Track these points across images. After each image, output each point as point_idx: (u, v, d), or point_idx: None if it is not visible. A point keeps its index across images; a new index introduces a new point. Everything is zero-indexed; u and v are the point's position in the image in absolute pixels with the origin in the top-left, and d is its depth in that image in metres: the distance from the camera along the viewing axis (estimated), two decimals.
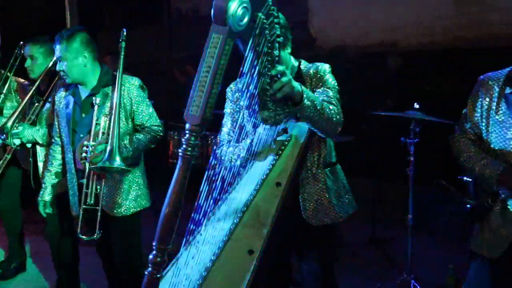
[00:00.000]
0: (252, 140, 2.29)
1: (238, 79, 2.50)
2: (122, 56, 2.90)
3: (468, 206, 2.37)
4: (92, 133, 2.91)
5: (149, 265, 1.59)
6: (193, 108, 1.55)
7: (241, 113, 2.47)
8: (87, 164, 2.91)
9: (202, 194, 1.80)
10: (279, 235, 2.15)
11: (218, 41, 1.53)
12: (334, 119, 2.23)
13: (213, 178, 1.94)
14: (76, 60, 2.93)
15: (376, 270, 4.22)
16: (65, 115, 3.07)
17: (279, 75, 1.89)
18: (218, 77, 1.54)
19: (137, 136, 3.00)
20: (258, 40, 1.71)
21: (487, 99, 2.30)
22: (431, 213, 4.76)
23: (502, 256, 2.26)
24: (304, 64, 2.45)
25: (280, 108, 2.00)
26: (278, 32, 1.78)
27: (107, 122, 2.90)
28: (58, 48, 2.92)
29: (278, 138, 2.30)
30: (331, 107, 2.25)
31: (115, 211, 3.01)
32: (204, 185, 1.78)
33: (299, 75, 2.36)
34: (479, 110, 2.33)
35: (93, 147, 2.88)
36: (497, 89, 2.27)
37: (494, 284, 2.32)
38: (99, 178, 2.96)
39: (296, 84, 1.99)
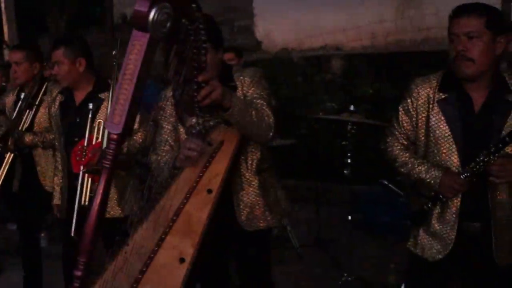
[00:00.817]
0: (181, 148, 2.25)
1: (165, 87, 2.48)
2: (115, 64, 2.97)
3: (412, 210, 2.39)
4: (87, 136, 2.97)
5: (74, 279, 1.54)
6: (115, 117, 1.51)
7: (171, 121, 2.44)
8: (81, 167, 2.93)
9: (128, 204, 1.76)
10: (211, 242, 2.13)
11: (140, 48, 1.50)
12: (265, 124, 2.22)
13: (140, 187, 1.91)
14: (73, 64, 2.99)
15: (321, 271, 4.26)
16: (58, 119, 3.12)
17: (206, 82, 1.87)
18: (140, 85, 1.51)
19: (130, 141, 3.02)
20: (183, 46, 1.69)
21: (419, 104, 2.30)
22: (374, 212, 4.85)
23: (442, 259, 2.29)
24: (235, 69, 2.43)
25: (209, 115, 1.98)
26: (204, 38, 1.76)
27: (102, 126, 2.96)
28: (57, 52, 2.98)
29: (209, 144, 2.27)
30: (262, 112, 2.24)
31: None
32: (129, 194, 1.75)
33: (230, 80, 2.34)
34: (410, 115, 2.34)
35: (87, 151, 2.91)
36: (430, 94, 2.27)
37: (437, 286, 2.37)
38: (93, 181, 2.94)
39: (225, 90, 1.98)
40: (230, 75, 2.38)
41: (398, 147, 2.41)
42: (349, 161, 3.71)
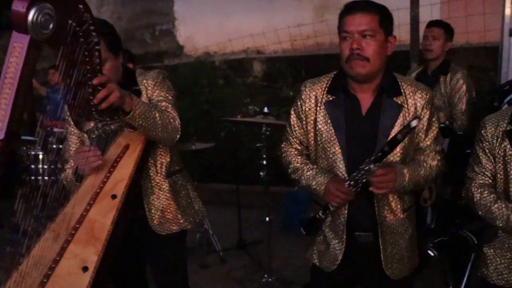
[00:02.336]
0: None
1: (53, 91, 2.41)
2: None
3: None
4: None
5: None
6: None
7: (76, 132, 2.37)
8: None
9: (19, 214, 1.68)
10: (122, 247, 2.09)
11: (20, 51, 1.44)
12: (171, 126, 2.21)
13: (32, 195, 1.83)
14: None
15: (244, 273, 4.27)
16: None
17: (102, 85, 1.83)
18: (23, 88, 1.45)
19: None
20: (71, 48, 1.64)
21: (308, 106, 2.18)
22: (293, 213, 4.91)
23: (337, 270, 2.19)
24: (139, 72, 2.40)
25: (109, 118, 1.94)
26: (96, 40, 1.72)
27: None
28: None
29: (114, 149, 2.23)
30: (167, 114, 2.22)
31: None
32: (19, 203, 1.67)
33: (134, 85, 2.30)
34: (301, 118, 2.21)
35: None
36: (318, 96, 2.16)
37: None
38: None
39: (123, 93, 1.94)
40: (133, 79, 2.33)
41: (292, 152, 2.28)
42: (264, 162, 3.75)
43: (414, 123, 1.91)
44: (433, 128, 2.15)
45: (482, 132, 2.09)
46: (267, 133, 3.71)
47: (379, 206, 2.12)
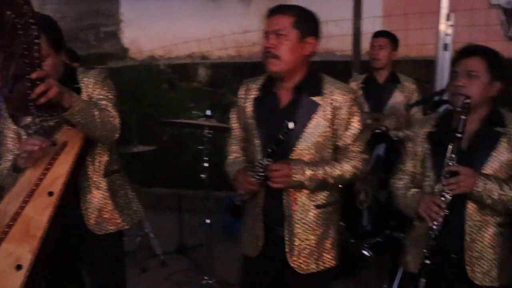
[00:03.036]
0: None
1: None
2: None
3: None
4: None
5: None
6: None
7: (14, 128, 2.31)
8: None
9: None
10: (57, 246, 2.06)
11: None
12: (110, 125, 2.20)
13: None
14: None
15: (184, 277, 4.26)
16: None
17: (41, 79, 1.81)
18: None
19: None
20: (9, 40, 1.61)
21: (244, 105, 2.31)
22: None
23: (258, 257, 2.30)
24: (80, 70, 2.37)
25: (48, 114, 1.91)
26: (36, 34, 1.70)
27: None
28: None
29: (53, 145, 2.19)
30: (107, 113, 2.22)
31: None
32: None
33: (75, 82, 2.28)
34: (239, 117, 2.36)
35: None
36: (251, 93, 2.29)
37: (255, 284, 2.40)
38: None
39: (63, 89, 1.92)
40: (74, 77, 2.31)
41: (233, 149, 2.43)
42: (206, 165, 3.76)
43: (290, 125, 2.03)
44: (353, 128, 2.22)
45: (410, 134, 2.31)
46: (210, 135, 3.73)
47: (287, 200, 2.22)
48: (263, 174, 2.13)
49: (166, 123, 5.41)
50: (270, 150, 2.09)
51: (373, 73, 4.00)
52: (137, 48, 7.21)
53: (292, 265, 2.24)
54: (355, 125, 2.22)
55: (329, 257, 2.30)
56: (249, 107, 2.29)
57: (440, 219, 2.09)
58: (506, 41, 6.94)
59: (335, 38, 5.90)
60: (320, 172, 2.15)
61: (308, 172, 2.13)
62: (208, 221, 3.89)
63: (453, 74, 2.20)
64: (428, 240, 2.12)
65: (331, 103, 2.16)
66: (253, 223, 2.31)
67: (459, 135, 2.08)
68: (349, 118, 2.19)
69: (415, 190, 2.28)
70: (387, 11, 6.61)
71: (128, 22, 7.25)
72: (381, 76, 3.97)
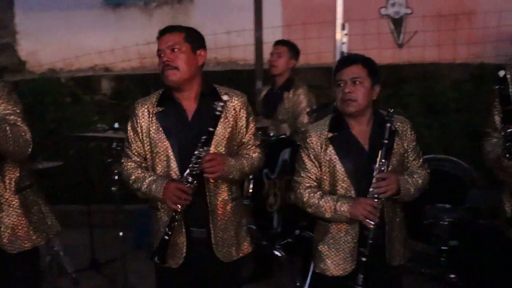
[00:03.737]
0: None
1: None
2: None
3: None
4: None
5: None
6: None
7: None
8: None
9: None
10: None
11: None
12: (22, 140, 2.18)
13: None
14: None
15: None
16: None
17: None
18: None
19: None
20: None
21: (142, 120, 2.40)
22: (147, 230, 4.92)
23: (181, 266, 2.39)
24: None
25: None
26: None
27: None
28: None
29: None
30: (18, 128, 2.19)
31: None
32: None
33: None
34: (138, 131, 2.41)
35: None
36: (149, 110, 2.39)
37: None
38: None
39: None
40: None
41: (132, 165, 2.45)
42: (116, 178, 3.74)
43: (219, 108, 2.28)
44: (251, 126, 2.51)
45: (308, 140, 2.46)
46: (118, 148, 3.72)
47: (210, 196, 2.39)
48: (197, 171, 2.26)
49: (72, 138, 5.28)
50: (203, 139, 2.26)
51: (274, 81, 4.18)
52: (36, 61, 6.98)
53: (218, 255, 2.41)
54: (253, 123, 2.52)
55: (246, 244, 2.54)
56: (153, 123, 2.38)
57: (377, 220, 2.28)
58: (396, 48, 7.47)
59: (238, 48, 6.07)
60: (239, 162, 2.40)
61: (232, 162, 2.36)
62: (121, 233, 3.86)
63: (338, 83, 2.39)
64: (366, 239, 2.30)
65: (233, 107, 2.41)
66: (176, 232, 2.35)
67: (386, 141, 2.29)
68: (248, 118, 2.47)
69: (336, 196, 2.38)
70: (287, 21, 6.89)
71: (25, 33, 7.00)
72: (277, 84, 4.16)
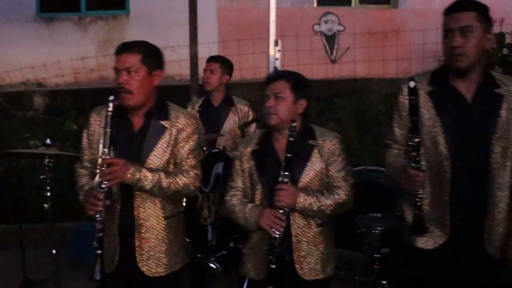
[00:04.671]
0: None
1: None
2: None
3: None
4: None
5: None
6: None
7: None
8: None
9: None
10: None
11: None
12: None
13: None
14: None
15: None
16: None
17: None
18: None
19: None
20: None
21: (94, 129, 2.47)
22: (83, 248, 4.82)
23: (113, 271, 2.44)
24: None
25: None
26: None
27: None
28: None
29: None
30: None
31: None
32: None
33: None
34: (91, 139, 2.49)
35: None
36: (103, 120, 2.36)
37: None
38: None
39: None
40: None
41: (83, 172, 2.55)
42: (48, 194, 3.66)
43: None
44: (189, 146, 2.48)
45: (237, 153, 2.62)
46: (51, 164, 3.64)
47: (138, 210, 2.42)
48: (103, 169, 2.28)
49: (2, 155, 5.12)
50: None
51: (209, 96, 4.22)
52: None
53: (142, 269, 2.43)
54: (192, 143, 2.50)
55: (176, 261, 2.54)
56: (102, 133, 2.39)
57: (282, 229, 2.36)
58: (329, 64, 7.73)
59: (174, 63, 6.09)
60: (156, 176, 2.37)
61: (145, 172, 2.34)
62: (54, 251, 3.77)
63: (264, 97, 2.51)
64: (273, 248, 2.36)
65: (177, 126, 2.45)
66: (109, 240, 2.41)
67: (288, 155, 2.37)
68: (188, 139, 2.48)
69: (251, 205, 2.53)
70: (222, 37, 7.00)
71: None
72: (216, 99, 4.19)
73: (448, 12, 2.30)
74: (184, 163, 2.48)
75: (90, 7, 7.63)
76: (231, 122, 4.10)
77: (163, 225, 2.48)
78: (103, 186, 2.27)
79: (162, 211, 2.47)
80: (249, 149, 2.56)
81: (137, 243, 2.43)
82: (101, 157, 2.30)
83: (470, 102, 2.32)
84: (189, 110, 4.07)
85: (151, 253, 2.44)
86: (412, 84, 2.23)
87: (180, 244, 2.58)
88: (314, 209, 2.41)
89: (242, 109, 4.14)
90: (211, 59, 4.25)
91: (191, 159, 2.50)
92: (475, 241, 2.32)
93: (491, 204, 2.31)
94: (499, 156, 2.30)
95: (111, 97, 2.32)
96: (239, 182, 2.60)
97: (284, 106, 2.44)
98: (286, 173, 2.37)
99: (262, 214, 2.41)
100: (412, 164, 2.23)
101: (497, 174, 2.30)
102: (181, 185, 2.44)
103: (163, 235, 2.47)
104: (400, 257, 3.63)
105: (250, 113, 4.15)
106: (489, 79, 2.35)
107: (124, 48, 2.38)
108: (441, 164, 2.31)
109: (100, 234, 2.30)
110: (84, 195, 2.41)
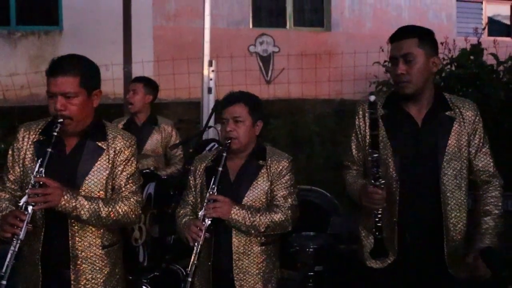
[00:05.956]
0: None
1: None
2: None
3: None
4: None
5: None
6: None
7: None
8: None
9: None
10: None
11: None
12: None
13: None
14: None
15: None
16: None
17: None
18: None
19: None
20: None
21: (21, 145, 2.28)
22: None
23: None
24: None
25: None
26: None
27: None
28: None
29: None
30: None
31: None
32: None
33: None
34: (15, 157, 2.29)
35: None
36: (31, 136, 2.27)
37: None
38: None
39: None
40: None
41: (4, 196, 2.30)
42: None
43: None
44: (129, 170, 2.33)
45: (191, 168, 2.60)
46: None
47: (73, 241, 2.23)
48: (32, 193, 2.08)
49: None
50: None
51: (133, 116, 4.20)
52: None
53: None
54: (131, 168, 2.35)
55: None
56: (30, 150, 2.27)
57: (199, 240, 2.32)
58: (264, 84, 7.85)
59: (108, 82, 6.01)
60: (94, 205, 2.19)
61: (82, 200, 2.16)
62: None
63: (222, 121, 2.49)
64: (198, 259, 2.33)
65: (114, 148, 2.30)
66: (31, 271, 2.24)
67: (220, 169, 2.39)
68: (126, 162, 2.33)
69: (188, 218, 2.52)
70: (158, 57, 6.97)
71: None
72: (140, 119, 4.18)
73: (392, 40, 2.37)
74: (123, 189, 2.31)
75: (21, 21, 7.36)
76: (153, 141, 4.11)
77: (101, 255, 2.29)
78: (30, 208, 2.05)
79: (100, 240, 2.29)
80: (203, 165, 2.57)
81: (72, 276, 2.23)
82: (35, 176, 2.08)
83: (420, 125, 2.36)
84: None
85: (87, 286, 2.26)
86: (372, 98, 2.24)
87: (120, 275, 2.40)
88: (247, 223, 2.39)
89: (165, 129, 4.15)
90: (134, 80, 4.30)
91: (130, 185, 2.33)
92: (427, 261, 2.36)
93: (448, 226, 2.34)
94: (452, 177, 2.33)
95: (60, 120, 2.13)
96: (190, 197, 2.59)
97: (244, 130, 2.45)
98: (213, 186, 2.38)
99: (188, 225, 2.41)
100: (372, 181, 2.24)
101: (451, 195, 2.34)
102: (121, 213, 2.27)
103: (100, 266, 2.28)
104: (334, 275, 3.73)
105: (174, 132, 4.17)
106: (441, 101, 2.39)
107: (60, 70, 2.15)
108: (391, 186, 2.34)
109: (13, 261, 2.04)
110: (2, 217, 2.14)
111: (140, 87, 4.12)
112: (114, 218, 2.25)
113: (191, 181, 2.59)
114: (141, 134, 4.06)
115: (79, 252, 2.23)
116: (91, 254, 2.27)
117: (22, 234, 2.04)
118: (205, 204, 2.38)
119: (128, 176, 2.33)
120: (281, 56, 7.92)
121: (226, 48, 6.95)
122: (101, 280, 2.29)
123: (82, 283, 2.25)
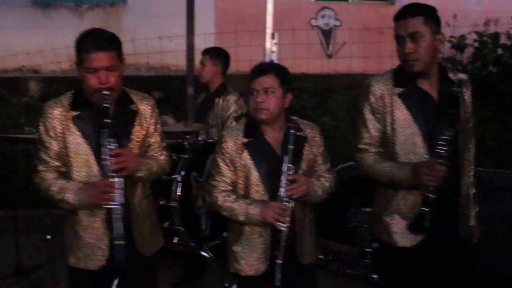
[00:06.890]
0: None
1: None
2: None
3: None
4: None
5: None
6: None
7: None
8: None
9: None
10: None
11: None
12: None
13: None
14: None
15: None
16: None
17: None
18: None
19: None
20: None
21: (54, 124, 2.37)
22: None
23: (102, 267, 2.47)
24: None
25: None
26: None
27: None
28: None
29: None
30: None
31: None
32: None
33: None
34: (51, 135, 2.39)
35: None
36: (62, 114, 2.37)
37: None
38: None
39: None
40: None
41: (51, 176, 2.43)
42: None
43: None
44: (158, 127, 2.57)
45: (223, 145, 2.54)
46: None
47: (128, 195, 2.41)
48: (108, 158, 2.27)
49: None
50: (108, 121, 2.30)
51: (207, 86, 4.31)
52: None
53: (140, 250, 2.49)
54: (159, 125, 2.58)
55: (160, 238, 2.69)
56: (70, 127, 2.37)
57: (288, 222, 2.37)
58: (325, 59, 7.76)
59: (170, 53, 6.11)
60: (147, 161, 2.47)
61: (141, 160, 2.42)
62: (48, 237, 3.79)
63: (251, 91, 2.48)
64: (278, 242, 2.38)
65: (143, 109, 2.50)
66: (88, 235, 2.44)
67: (291, 147, 2.40)
68: (156, 120, 2.55)
69: (249, 200, 2.49)
70: (219, 29, 7.01)
71: None
72: (212, 89, 4.28)
73: (397, 19, 2.41)
74: (158, 145, 2.58)
75: None
76: (214, 113, 4.16)
77: (145, 205, 2.56)
78: (116, 179, 2.28)
79: (143, 192, 2.56)
80: (238, 142, 2.51)
81: (133, 227, 2.48)
82: (110, 148, 2.28)
83: (437, 100, 2.44)
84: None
85: (143, 232, 2.53)
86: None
87: (157, 222, 2.70)
88: (318, 194, 2.50)
89: (224, 101, 4.17)
90: (203, 52, 4.35)
91: (160, 140, 2.60)
92: (449, 229, 2.44)
93: (463, 188, 2.49)
94: (464, 149, 2.49)
95: (107, 92, 2.29)
96: (228, 178, 2.53)
97: (274, 101, 2.44)
98: (290, 165, 2.38)
99: (266, 208, 2.39)
100: (438, 159, 2.26)
101: (466, 167, 2.51)
102: (162, 166, 2.59)
103: (147, 215, 2.57)
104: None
105: (232, 106, 4.15)
106: (445, 77, 2.48)
107: (101, 46, 2.30)
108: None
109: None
110: (91, 188, 2.34)
111: (207, 59, 4.21)
112: (159, 172, 2.58)
113: (225, 160, 2.52)
114: (209, 104, 4.15)
115: (133, 205, 2.48)
116: (139, 205, 2.52)
117: (120, 198, 2.31)
118: (284, 185, 2.39)
119: (160, 133, 2.59)
120: (342, 30, 7.80)
121: (287, 21, 6.90)
122: (149, 228, 2.58)
123: (139, 231, 2.51)
